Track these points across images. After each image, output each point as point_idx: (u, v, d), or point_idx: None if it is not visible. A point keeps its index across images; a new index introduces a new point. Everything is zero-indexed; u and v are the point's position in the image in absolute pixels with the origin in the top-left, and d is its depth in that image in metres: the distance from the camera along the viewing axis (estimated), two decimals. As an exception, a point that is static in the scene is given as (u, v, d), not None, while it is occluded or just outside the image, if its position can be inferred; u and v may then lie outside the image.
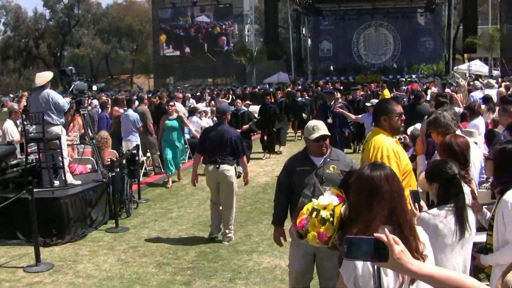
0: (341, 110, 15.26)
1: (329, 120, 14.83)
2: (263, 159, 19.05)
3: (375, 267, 2.87)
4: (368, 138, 6.23)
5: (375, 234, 2.66)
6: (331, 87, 35.75)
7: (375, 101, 13.72)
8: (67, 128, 13.08)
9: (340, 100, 18.10)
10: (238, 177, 11.09)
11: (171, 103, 15.45)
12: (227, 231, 9.99)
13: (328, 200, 3.32)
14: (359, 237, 2.73)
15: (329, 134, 6.20)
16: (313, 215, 3.33)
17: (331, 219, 3.26)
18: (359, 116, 14.95)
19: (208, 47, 63.30)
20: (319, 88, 34.33)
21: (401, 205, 3.24)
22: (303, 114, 22.35)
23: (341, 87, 33.65)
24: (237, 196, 13.50)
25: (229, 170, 9.87)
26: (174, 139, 14.96)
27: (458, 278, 2.61)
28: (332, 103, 16.03)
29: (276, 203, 6.45)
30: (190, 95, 31.47)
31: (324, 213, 3.26)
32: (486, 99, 14.08)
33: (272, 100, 20.70)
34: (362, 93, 25.46)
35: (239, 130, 14.11)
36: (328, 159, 6.04)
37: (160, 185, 15.22)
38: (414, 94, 16.24)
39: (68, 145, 13.14)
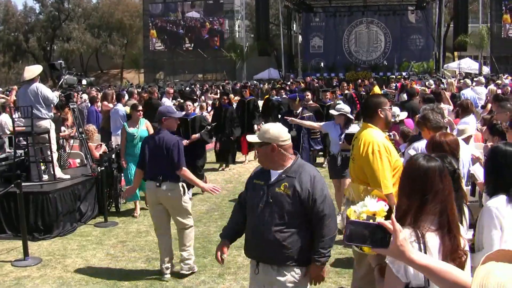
0: (296, 120, 11.71)
1: (293, 133, 11.19)
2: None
3: (424, 252, 2.94)
4: (357, 134, 6.24)
5: (379, 221, 2.69)
6: (316, 84, 35.24)
7: (343, 107, 10.50)
8: (63, 122, 13.08)
9: (311, 102, 15.17)
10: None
11: (139, 108, 11.88)
12: (185, 254, 8.10)
13: (378, 206, 3.21)
14: (362, 222, 2.76)
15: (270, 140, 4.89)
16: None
17: None
18: (322, 123, 11.41)
19: (198, 43, 63.15)
20: (302, 85, 32.07)
21: (451, 202, 3.22)
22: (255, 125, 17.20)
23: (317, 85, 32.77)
24: (227, 191, 13.55)
25: (173, 189, 7.82)
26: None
27: (453, 273, 2.62)
28: (299, 111, 12.90)
29: (231, 215, 5.51)
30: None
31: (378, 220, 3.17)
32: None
33: (228, 101, 17.15)
34: (347, 90, 22.95)
35: (187, 141, 12.45)
36: (284, 175, 4.86)
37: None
38: (407, 91, 16.31)
39: (67, 138, 13.16)
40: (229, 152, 16.53)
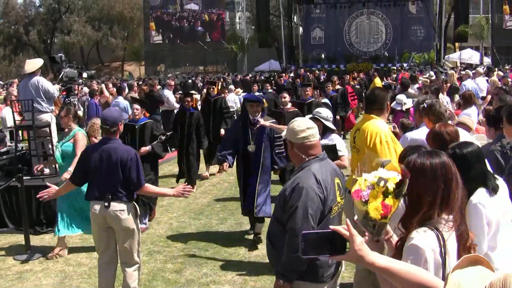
0: (267, 124, 8.87)
1: (251, 148, 9.12)
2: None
3: (444, 256, 2.92)
4: (359, 125, 6.23)
5: (332, 227, 2.66)
6: (313, 77, 31.59)
7: (320, 112, 8.19)
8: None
9: (289, 106, 11.90)
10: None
11: (70, 113, 8.88)
12: None
13: (392, 174, 3.18)
14: (315, 232, 2.75)
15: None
16: (381, 184, 3.15)
17: (393, 193, 3.15)
18: None
19: (198, 35, 63.09)
20: (299, 78, 28.52)
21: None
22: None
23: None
24: (228, 183, 13.53)
25: (125, 210, 6.50)
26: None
27: (417, 274, 2.63)
28: (257, 118, 9.19)
29: None
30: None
31: (390, 185, 3.13)
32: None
33: (194, 104, 13.74)
34: (337, 86, 19.78)
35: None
36: (291, 177, 4.67)
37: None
38: (401, 82, 16.37)
39: None
40: (190, 172, 13.02)
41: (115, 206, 6.44)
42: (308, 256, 2.66)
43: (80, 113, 12.40)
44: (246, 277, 7.75)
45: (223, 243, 9.18)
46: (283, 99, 11.90)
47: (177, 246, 9.14)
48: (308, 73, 34.86)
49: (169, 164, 15.86)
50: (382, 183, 3.08)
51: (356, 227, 2.89)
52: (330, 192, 4.42)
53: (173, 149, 13.76)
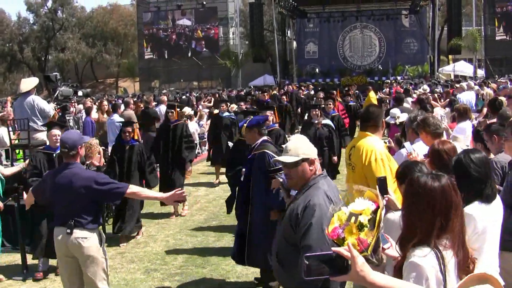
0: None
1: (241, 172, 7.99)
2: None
3: (444, 273, 2.93)
4: (354, 143, 6.26)
5: (333, 249, 2.70)
6: (305, 90, 29.59)
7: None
8: None
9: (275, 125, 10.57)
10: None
11: None
12: None
13: (364, 205, 3.19)
14: (317, 254, 2.79)
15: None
16: (352, 221, 3.17)
17: (368, 224, 3.17)
18: None
19: (192, 51, 63.16)
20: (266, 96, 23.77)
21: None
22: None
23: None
24: (224, 200, 13.48)
25: (87, 238, 6.12)
26: None
27: None
28: (259, 143, 7.65)
29: None
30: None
31: (363, 218, 3.14)
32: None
33: (133, 136, 11.18)
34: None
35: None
36: (297, 196, 4.60)
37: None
38: (395, 97, 16.40)
39: None
40: (131, 217, 10.70)
41: (77, 233, 6.08)
42: (311, 278, 2.69)
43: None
44: (243, 294, 7.75)
45: (220, 260, 9.17)
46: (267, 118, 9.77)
47: (174, 264, 9.13)
48: (300, 90, 32.32)
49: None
50: (353, 219, 3.11)
51: None
52: None
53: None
